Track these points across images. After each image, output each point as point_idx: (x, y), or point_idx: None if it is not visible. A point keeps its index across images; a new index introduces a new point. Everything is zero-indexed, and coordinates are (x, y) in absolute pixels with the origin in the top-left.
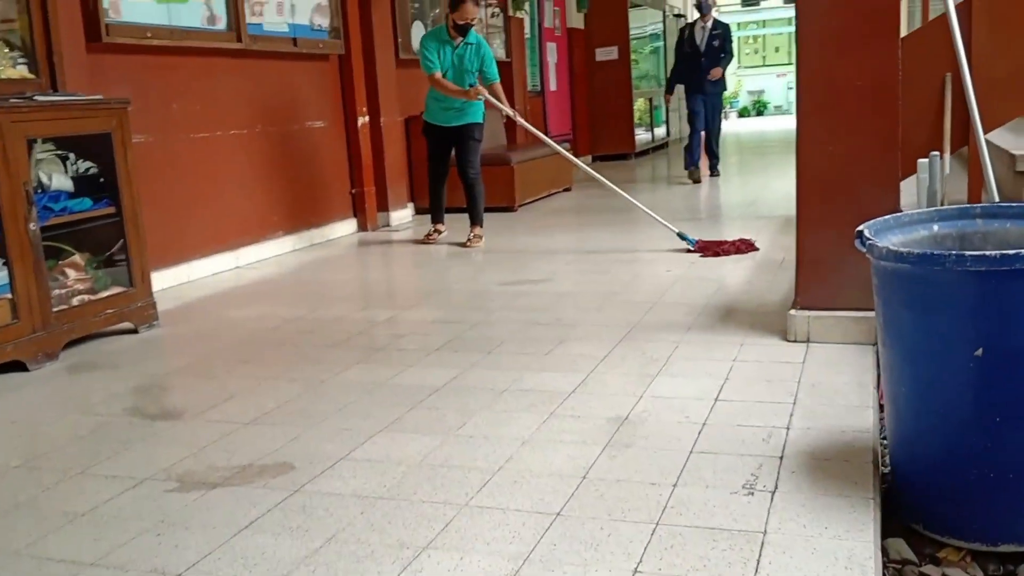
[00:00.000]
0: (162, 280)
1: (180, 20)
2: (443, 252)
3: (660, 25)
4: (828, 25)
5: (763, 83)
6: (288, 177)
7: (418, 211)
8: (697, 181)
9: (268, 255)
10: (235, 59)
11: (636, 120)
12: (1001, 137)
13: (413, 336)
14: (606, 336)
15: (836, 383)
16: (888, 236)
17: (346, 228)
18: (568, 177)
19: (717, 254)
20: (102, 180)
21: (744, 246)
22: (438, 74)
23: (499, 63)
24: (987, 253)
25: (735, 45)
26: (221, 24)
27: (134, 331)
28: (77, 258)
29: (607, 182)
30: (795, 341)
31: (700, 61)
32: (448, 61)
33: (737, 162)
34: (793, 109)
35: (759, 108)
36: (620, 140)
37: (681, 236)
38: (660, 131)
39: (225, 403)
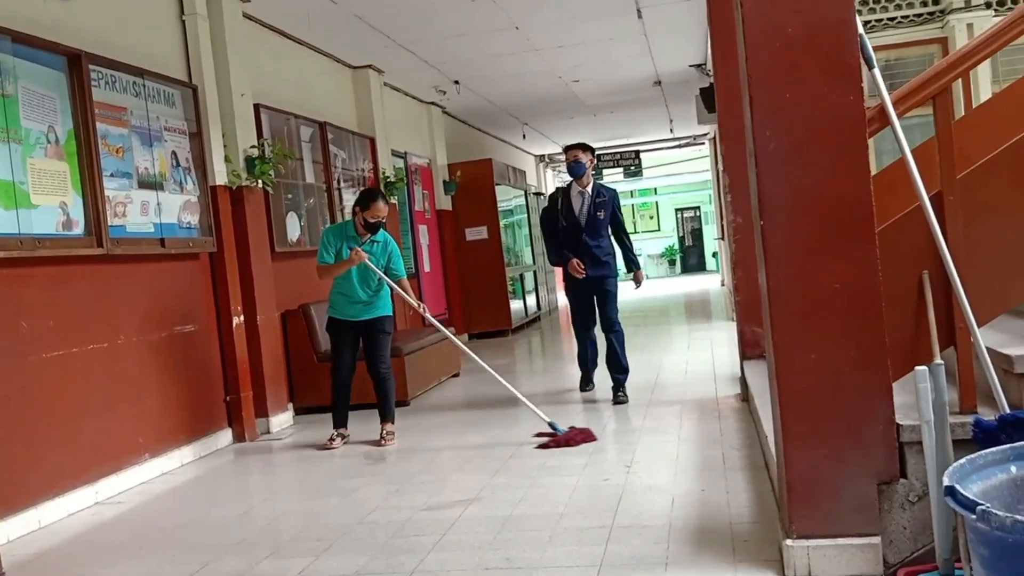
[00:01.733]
0: (8, 529)
1: (31, 227)
2: (342, 465)
3: (522, 200)
4: (796, 230)
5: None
6: (155, 391)
7: (298, 411)
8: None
9: (133, 483)
10: (95, 265)
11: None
12: (988, 337)
13: None
14: None
15: None
16: (968, 485)
17: (222, 440)
18: (456, 362)
19: (559, 444)
20: None
21: (581, 436)
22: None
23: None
24: None
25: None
26: (78, 229)
27: None
28: None
29: (499, 378)
30: None
31: (582, 237)
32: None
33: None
34: (656, 273)
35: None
36: (496, 317)
37: (552, 426)
38: (531, 299)
39: None
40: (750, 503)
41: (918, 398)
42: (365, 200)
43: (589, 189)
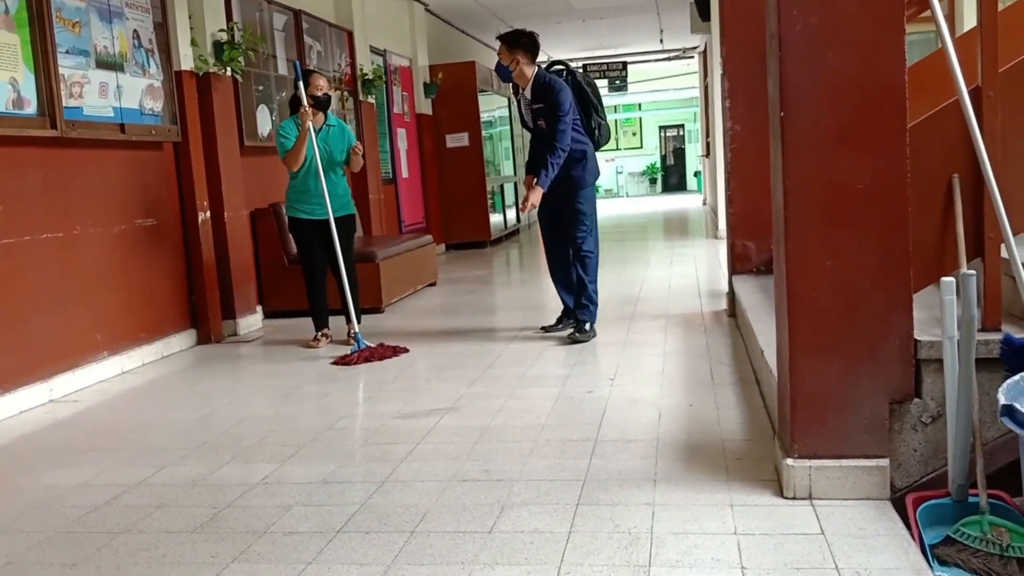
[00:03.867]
0: None
1: None
2: (312, 369)
3: (505, 111)
4: (820, 123)
5: None
6: (113, 286)
7: (268, 315)
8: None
9: (90, 382)
10: (48, 149)
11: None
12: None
13: (303, 508)
14: (557, 497)
15: (886, 568)
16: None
17: (185, 341)
18: (433, 271)
19: (368, 359)
20: None
21: (388, 351)
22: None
23: None
24: None
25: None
26: (30, 108)
27: None
28: None
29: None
30: (795, 498)
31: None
32: (311, 147)
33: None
34: (623, 192)
35: None
36: (475, 228)
37: (356, 338)
38: (511, 215)
39: None
40: (742, 420)
41: (943, 311)
42: (304, 77)
43: (528, 90)
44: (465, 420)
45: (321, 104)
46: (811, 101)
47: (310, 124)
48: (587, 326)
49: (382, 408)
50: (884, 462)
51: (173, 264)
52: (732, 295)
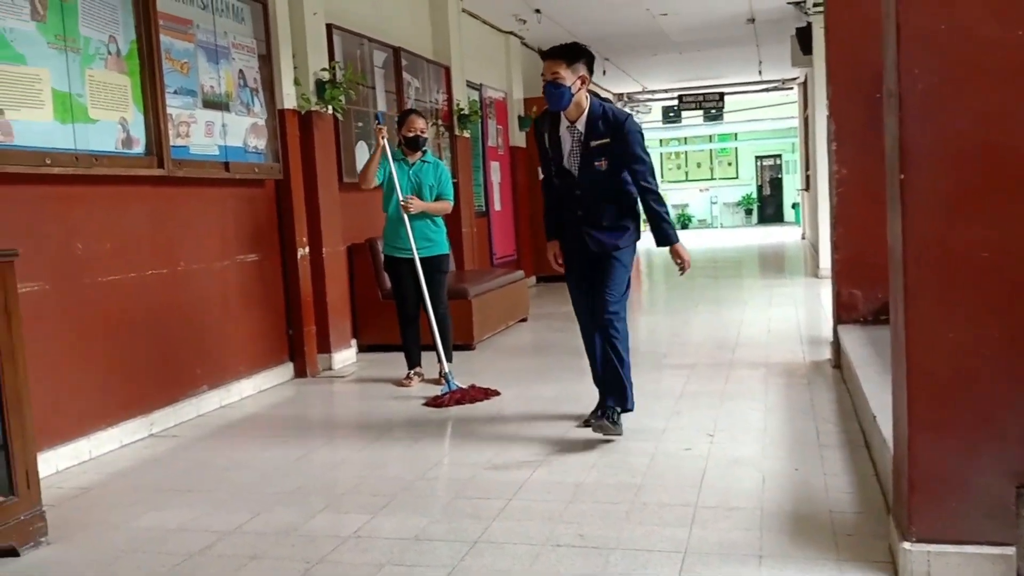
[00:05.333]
0: (57, 460)
1: (88, 144)
2: (404, 410)
3: None
4: (943, 186)
5: (686, 197)
6: (215, 321)
7: (361, 349)
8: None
9: (190, 416)
10: (155, 187)
11: None
12: None
13: (395, 568)
14: (656, 571)
15: None
16: None
17: (282, 375)
18: (524, 307)
19: (459, 402)
20: None
21: (480, 393)
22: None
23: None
24: None
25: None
26: (139, 148)
27: (14, 553)
28: None
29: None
30: None
31: (574, 192)
32: (404, 179)
33: (668, 287)
34: (717, 223)
35: (683, 222)
36: None
37: (446, 378)
38: None
39: None
40: (851, 488)
41: None
42: (400, 118)
43: (581, 123)
44: (557, 475)
45: (411, 143)
46: (933, 164)
47: (385, 143)
48: (618, 416)
49: (473, 457)
50: (1010, 550)
51: (272, 299)
52: (837, 345)
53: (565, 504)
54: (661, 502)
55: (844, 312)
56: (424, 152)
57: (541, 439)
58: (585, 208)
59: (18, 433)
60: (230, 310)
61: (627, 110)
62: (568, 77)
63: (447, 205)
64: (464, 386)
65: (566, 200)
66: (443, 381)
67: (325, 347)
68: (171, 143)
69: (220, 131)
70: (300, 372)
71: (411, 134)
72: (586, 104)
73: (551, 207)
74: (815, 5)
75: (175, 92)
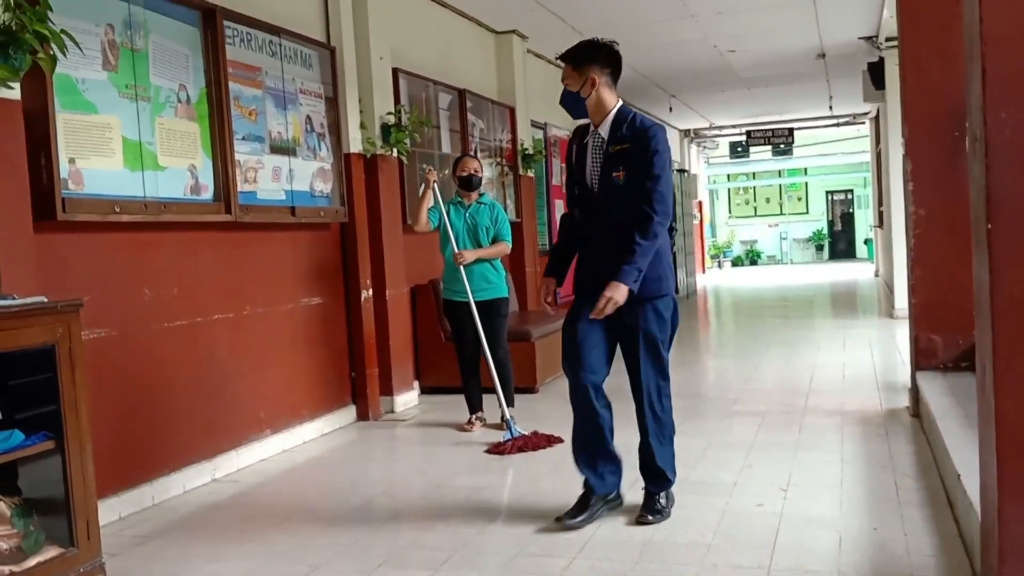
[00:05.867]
0: (120, 507)
1: (157, 191)
2: (466, 455)
3: None
4: None
5: (755, 233)
6: (278, 365)
7: (424, 391)
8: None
9: (252, 461)
10: (222, 232)
11: None
12: None
13: None
14: None
15: None
16: None
17: (344, 418)
18: None
19: (521, 449)
20: (40, 405)
21: (543, 440)
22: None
23: (510, 223)
24: None
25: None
26: (207, 194)
27: None
28: (2, 506)
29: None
30: None
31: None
32: (460, 221)
33: (738, 327)
34: (787, 259)
35: (752, 257)
36: None
37: (508, 425)
38: None
39: None
40: (934, 551)
41: None
42: (455, 162)
43: (604, 127)
44: (623, 532)
45: (465, 183)
46: (1021, 210)
47: (435, 185)
48: (664, 500)
49: (534, 509)
50: None
51: (336, 342)
52: (916, 392)
53: (631, 565)
54: (732, 564)
55: (923, 358)
56: (481, 194)
57: None
58: (605, 234)
59: (79, 484)
60: (294, 353)
61: (659, 123)
62: (576, 81)
63: (504, 247)
64: (526, 432)
65: (588, 229)
66: (505, 426)
67: (387, 390)
68: (238, 189)
69: (287, 176)
70: (362, 415)
71: (464, 173)
72: (611, 107)
73: (562, 243)
74: (887, 40)
75: (243, 138)
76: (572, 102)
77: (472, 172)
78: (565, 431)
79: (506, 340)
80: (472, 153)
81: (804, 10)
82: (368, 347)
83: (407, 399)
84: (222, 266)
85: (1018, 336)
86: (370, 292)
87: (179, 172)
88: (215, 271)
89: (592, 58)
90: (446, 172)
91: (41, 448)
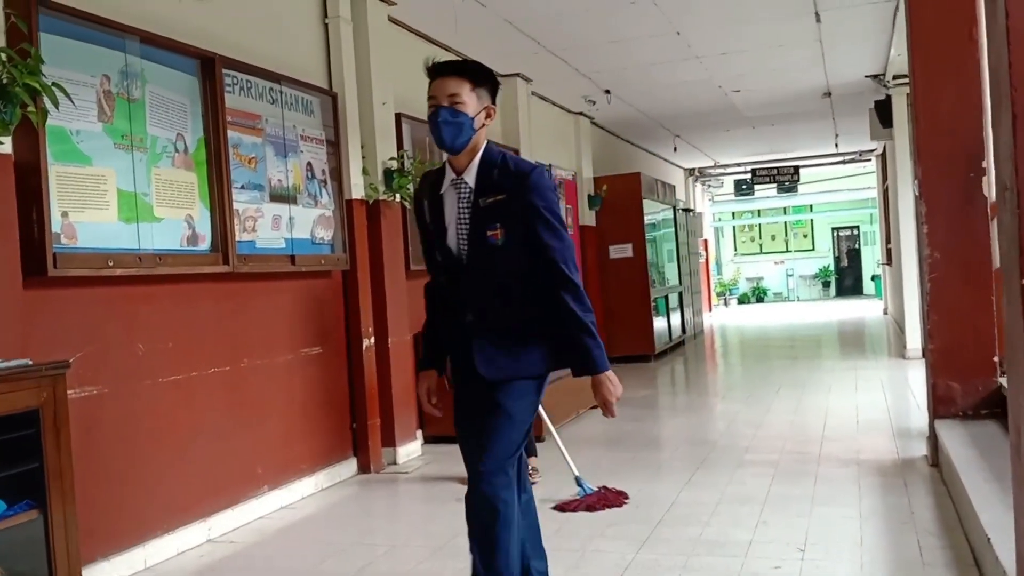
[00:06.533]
0: (112, 570)
1: (152, 242)
2: None
3: (670, 212)
4: None
5: (761, 270)
6: (277, 418)
7: (427, 440)
8: None
9: (249, 519)
10: (220, 283)
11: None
12: None
13: None
14: None
15: None
16: None
17: (345, 471)
18: None
19: (590, 508)
20: (23, 473)
21: (613, 497)
22: None
23: None
24: None
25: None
26: (204, 244)
27: None
28: None
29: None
30: None
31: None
32: None
33: (746, 368)
34: (794, 296)
35: (759, 295)
36: (639, 341)
37: (578, 482)
38: (675, 320)
39: None
40: None
41: None
42: None
43: (471, 173)
44: None
45: None
46: None
47: None
48: None
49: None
50: None
51: (336, 392)
52: (935, 441)
53: None
54: None
55: (941, 406)
56: None
57: (617, 553)
58: (475, 309)
59: (63, 556)
60: (293, 406)
61: (539, 167)
62: (471, 104)
63: None
64: (592, 488)
65: (453, 301)
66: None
67: (390, 440)
68: (237, 238)
69: (287, 224)
70: (364, 467)
71: None
72: (481, 148)
73: (431, 321)
74: (895, 78)
75: (242, 187)
76: (454, 126)
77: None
78: (571, 488)
79: None
80: None
81: (810, 49)
82: (370, 397)
83: (410, 450)
84: (219, 318)
85: None
86: (372, 340)
87: (175, 223)
88: (212, 323)
89: (495, 84)
90: None
91: (24, 518)
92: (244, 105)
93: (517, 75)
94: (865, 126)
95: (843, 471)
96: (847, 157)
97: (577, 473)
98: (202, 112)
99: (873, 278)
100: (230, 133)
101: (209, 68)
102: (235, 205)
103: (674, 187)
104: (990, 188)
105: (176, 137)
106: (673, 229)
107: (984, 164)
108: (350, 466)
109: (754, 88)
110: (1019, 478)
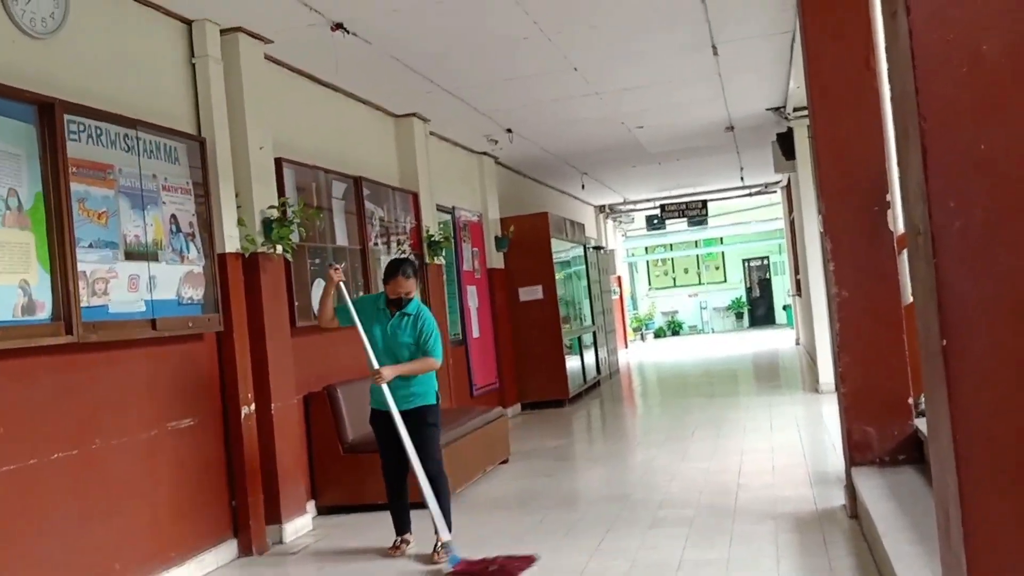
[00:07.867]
0: None
1: None
2: None
3: (580, 252)
4: (1000, 344)
5: (676, 303)
6: (138, 503)
7: (321, 511)
8: None
9: None
10: (63, 356)
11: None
12: None
13: None
14: None
15: None
16: None
17: (224, 555)
18: (505, 447)
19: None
20: None
21: (517, 564)
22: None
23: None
24: None
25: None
26: (43, 313)
27: None
28: None
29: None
30: None
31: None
32: (380, 332)
33: (663, 408)
34: (708, 328)
35: (674, 328)
36: (552, 386)
37: (445, 548)
38: (589, 361)
39: None
40: None
41: None
42: (386, 274)
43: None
44: None
45: (394, 304)
46: (984, 321)
47: (340, 283)
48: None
49: None
50: None
51: (212, 467)
52: (852, 491)
53: None
54: None
55: (857, 452)
56: (409, 299)
57: None
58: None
59: None
60: (160, 487)
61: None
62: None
63: (431, 363)
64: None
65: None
66: (438, 555)
67: (275, 517)
68: (83, 304)
69: (147, 284)
70: (245, 549)
71: (394, 296)
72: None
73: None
74: (795, 110)
75: (90, 245)
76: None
77: (403, 295)
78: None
79: (439, 452)
80: (411, 265)
81: (710, 84)
82: (251, 470)
83: (299, 525)
84: (62, 396)
85: (985, 474)
86: (252, 407)
87: (8, 290)
88: (53, 402)
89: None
90: (343, 264)
91: None
92: (92, 154)
93: (413, 115)
94: (769, 159)
95: (760, 528)
96: (753, 189)
97: (445, 539)
98: (41, 164)
99: (785, 307)
100: (75, 186)
101: (48, 114)
102: (81, 266)
103: (583, 225)
104: (895, 221)
105: (8, 193)
106: (584, 267)
107: (888, 197)
108: (230, 549)
109: (657, 123)
110: (952, 564)
